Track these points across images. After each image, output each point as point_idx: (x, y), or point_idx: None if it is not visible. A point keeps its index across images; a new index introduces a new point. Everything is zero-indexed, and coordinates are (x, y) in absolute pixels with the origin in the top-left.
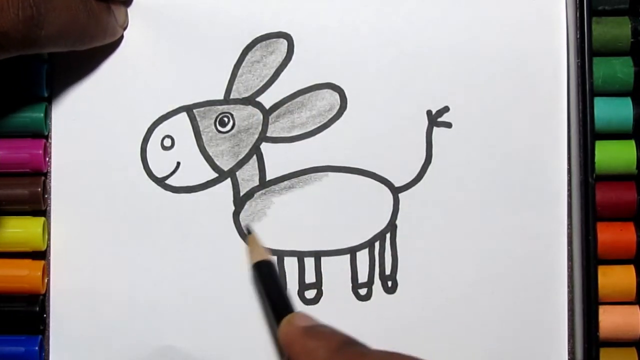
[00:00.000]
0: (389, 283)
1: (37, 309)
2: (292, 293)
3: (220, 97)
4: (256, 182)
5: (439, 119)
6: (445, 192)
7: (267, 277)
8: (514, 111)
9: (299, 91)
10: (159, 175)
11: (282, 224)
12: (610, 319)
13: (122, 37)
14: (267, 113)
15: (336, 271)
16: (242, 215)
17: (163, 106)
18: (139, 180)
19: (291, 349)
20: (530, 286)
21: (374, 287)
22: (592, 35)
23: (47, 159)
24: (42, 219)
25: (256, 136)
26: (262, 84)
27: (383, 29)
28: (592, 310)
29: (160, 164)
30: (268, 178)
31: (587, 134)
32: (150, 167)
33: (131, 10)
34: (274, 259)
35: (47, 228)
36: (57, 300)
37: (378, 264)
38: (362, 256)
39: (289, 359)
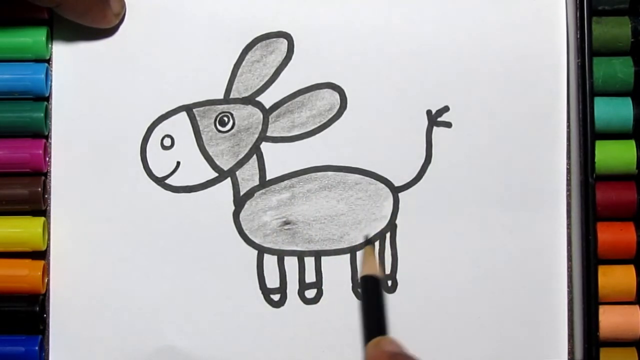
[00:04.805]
0: (389, 282)
1: (37, 309)
2: (292, 292)
3: (220, 96)
4: (256, 182)
5: (439, 119)
6: (445, 191)
7: (371, 294)
8: (514, 111)
9: (299, 91)
10: (159, 174)
11: (282, 223)
12: (610, 319)
13: (121, 34)
14: (267, 112)
15: (336, 270)
16: (242, 215)
17: (163, 106)
18: (139, 180)
19: None
20: (530, 286)
21: None
22: (592, 35)
23: (47, 159)
24: (42, 219)
25: (256, 136)
26: (262, 83)
27: (383, 29)
28: (592, 310)
29: (160, 163)
30: (268, 178)
31: (587, 134)
32: (150, 166)
33: (131, 10)
34: (382, 276)
35: (47, 228)
36: (57, 300)
37: (378, 263)
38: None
39: None
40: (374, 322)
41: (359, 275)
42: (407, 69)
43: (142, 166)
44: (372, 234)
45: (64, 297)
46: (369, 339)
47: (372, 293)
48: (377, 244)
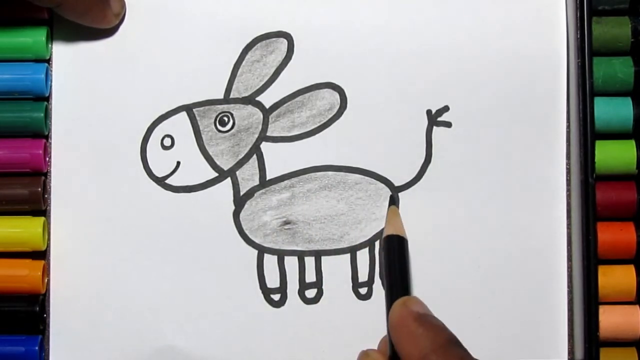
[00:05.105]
0: None
1: (37, 309)
2: (293, 292)
3: (220, 96)
4: (256, 182)
5: (439, 119)
6: (445, 191)
7: (395, 254)
8: (514, 111)
9: (299, 90)
10: (159, 174)
11: (282, 223)
12: (610, 319)
13: (121, 34)
14: (267, 112)
15: (336, 270)
16: (242, 215)
17: (163, 105)
18: (139, 180)
19: (398, 330)
20: (530, 286)
21: (374, 286)
22: (592, 35)
23: (47, 159)
24: (42, 219)
25: (256, 135)
26: (262, 83)
27: (383, 29)
28: (592, 310)
29: (160, 163)
30: (268, 177)
31: (587, 134)
32: (150, 166)
33: (131, 10)
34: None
35: (47, 228)
36: (57, 300)
37: (378, 263)
38: (362, 255)
39: (391, 342)
40: (399, 282)
41: (384, 234)
42: (407, 69)
43: (142, 166)
44: (396, 195)
45: (64, 297)
46: (392, 299)
47: (397, 253)
48: (376, 243)
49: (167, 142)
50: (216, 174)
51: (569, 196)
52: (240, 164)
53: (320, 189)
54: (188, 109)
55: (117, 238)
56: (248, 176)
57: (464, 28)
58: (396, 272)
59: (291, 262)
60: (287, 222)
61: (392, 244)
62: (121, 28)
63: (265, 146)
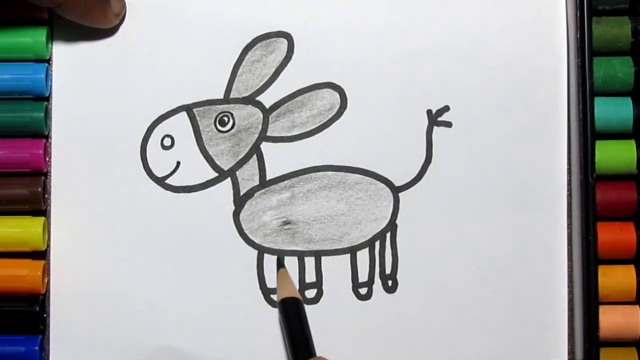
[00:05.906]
0: (389, 282)
1: (37, 309)
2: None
3: (220, 96)
4: (256, 182)
5: (439, 119)
6: (445, 191)
7: (292, 316)
8: (514, 111)
9: (299, 90)
10: (159, 174)
11: (282, 223)
12: (610, 319)
13: (121, 34)
14: (267, 112)
15: (336, 270)
16: (242, 215)
17: (163, 105)
18: (139, 179)
19: None
20: (530, 286)
21: (374, 286)
22: (592, 35)
23: (47, 159)
24: (42, 218)
25: (256, 135)
26: (262, 83)
27: (383, 29)
28: (592, 310)
29: (160, 163)
30: (268, 177)
31: (587, 134)
32: (150, 166)
33: (131, 10)
34: (299, 297)
35: (47, 228)
36: (57, 300)
37: (378, 263)
38: (363, 255)
39: None
40: (302, 345)
41: (277, 299)
42: (407, 69)
43: (142, 166)
44: (283, 256)
45: (64, 297)
46: None
47: (294, 315)
48: (376, 244)
49: (167, 142)
50: (216, 174)
51: (569, 196)
52: (240, 164)
53: (320, 189)
54: (188, 109)
55: (117, 238)
56: (248, 176)
57: (464, 28)
58: (297, 334)
59: (291, 263)
60: (287, 222)
61: (288, 307)
62: (121, 28)
63: (265, 146)
